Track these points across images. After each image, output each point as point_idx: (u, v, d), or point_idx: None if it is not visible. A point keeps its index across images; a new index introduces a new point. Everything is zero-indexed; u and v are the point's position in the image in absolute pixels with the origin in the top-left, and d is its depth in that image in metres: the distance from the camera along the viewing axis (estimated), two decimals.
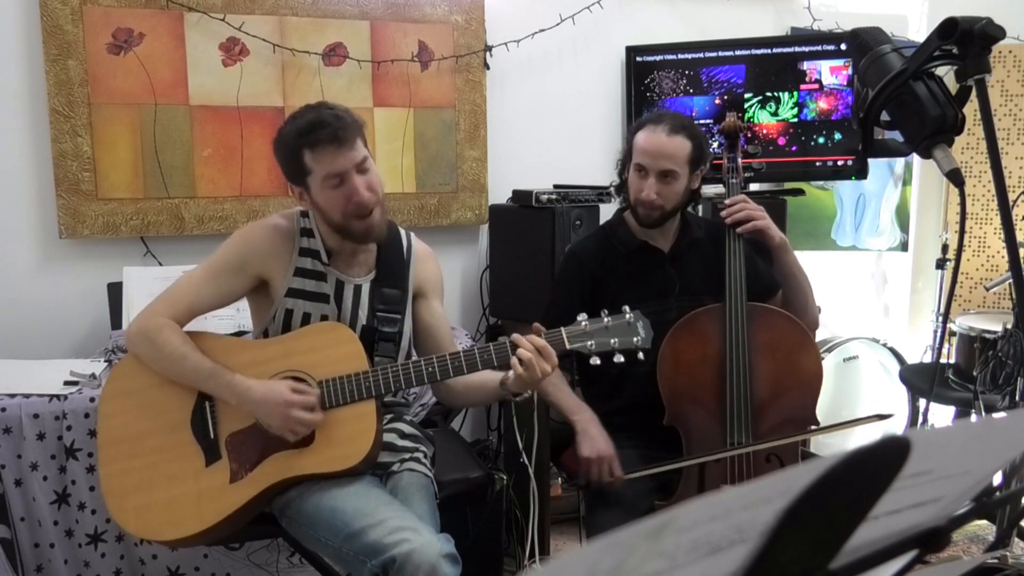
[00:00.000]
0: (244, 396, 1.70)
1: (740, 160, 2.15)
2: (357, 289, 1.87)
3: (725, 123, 2.19)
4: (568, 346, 1.71)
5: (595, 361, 1.70)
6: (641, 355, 1.73)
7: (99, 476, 1.78)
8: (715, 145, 2.93)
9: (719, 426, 1.91)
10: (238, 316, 2.44)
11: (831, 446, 3.27)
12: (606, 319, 1.72)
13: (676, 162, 1.98)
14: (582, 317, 1.73)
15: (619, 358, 1.71)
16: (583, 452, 1.90)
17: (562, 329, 1.71)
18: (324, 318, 1.82)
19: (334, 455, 1.70)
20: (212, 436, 1.75)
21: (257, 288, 1.84)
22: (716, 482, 1.89)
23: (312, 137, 1.69)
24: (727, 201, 2.05)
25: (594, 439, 1.91)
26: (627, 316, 1.72)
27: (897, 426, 3.40)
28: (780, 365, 1.96)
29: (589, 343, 1.71)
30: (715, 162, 2.22)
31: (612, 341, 1.71)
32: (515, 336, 1.69)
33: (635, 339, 1.71)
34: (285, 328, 1.81)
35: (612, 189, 2.23)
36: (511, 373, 1.71)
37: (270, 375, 1.75)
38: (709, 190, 3.02)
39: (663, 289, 2.05)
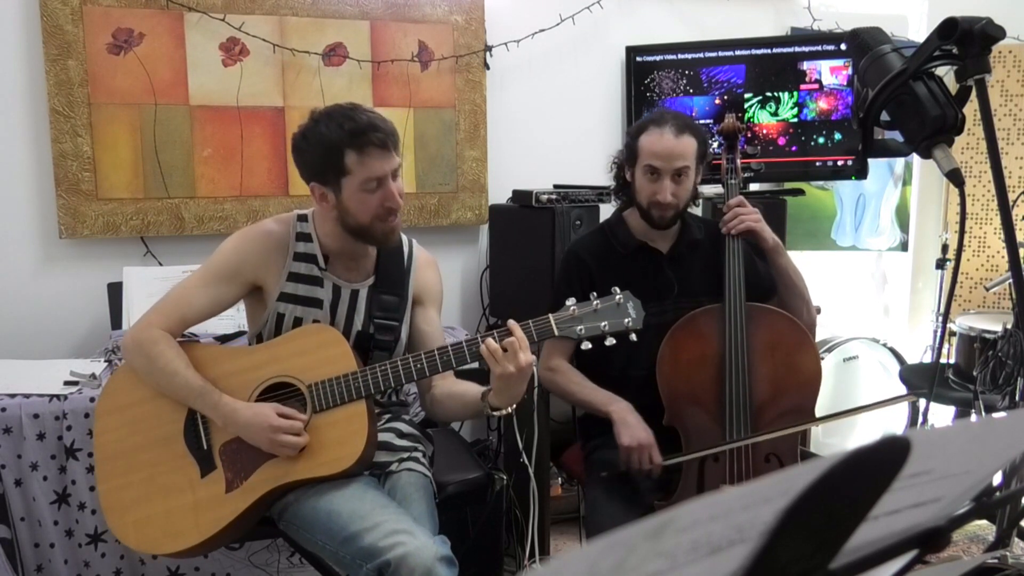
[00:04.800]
0: (230, 418, 1.70)
1: (739, 161, 2.15)
2: (354, 294, 1.86)
3: (724, 124, 2.19)
4: (557, 332, 1.68)
5: (586, 346, 1.68)
6: (634, 336, 1.69)
7: (98, 492, 1.78)
8: (715, 146, 2.93)
9: (718, 427, 1.91)
10: (238, 316, 2.44)
11: (831, 446, 3.27)
12: (595, 302, 1.69)
13: (687, 160, 1.99)
14: (570, 302, 1.69)
15: (610, 341, 1.68)
16: (623, 441, 1.88)
17: (550, 315, 1.69)
18: (315, 323, 1.81)
19: (328, 458, 1.70)
20: (206, 447, 1.75)
21: (252, 293, 1.84)
22: (716, 482, 1.89)
23: (363, 139, 1.68)
24: (727, 205, 2.05)
25: (633, 427, 1.89)
26: (616, 297, 1.69)
27: (897, 426, 3.41)
28: (779, 365, 1.96)
29: (579, 328, 1.68)
30: (714, 162, 2.23)
31: (602, 324, 1.68)
32: (500, 333, 1.67)
33: (626, 320, 1.68)
34: (277, 332, 1.81)
35: (611, 190, 2.22)
36: (492, 388, 1.70)
37: (260, 381, 1.75)
38: (709, 190, 3.03)
39: (661, 291, 2.05)
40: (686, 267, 2.10)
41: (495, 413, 1.73)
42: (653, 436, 1.88)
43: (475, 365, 2.09)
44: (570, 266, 2.14)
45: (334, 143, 1.68)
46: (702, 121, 3.00)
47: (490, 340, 1.64)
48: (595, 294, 1.70)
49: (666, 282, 2.07)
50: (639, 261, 2.08)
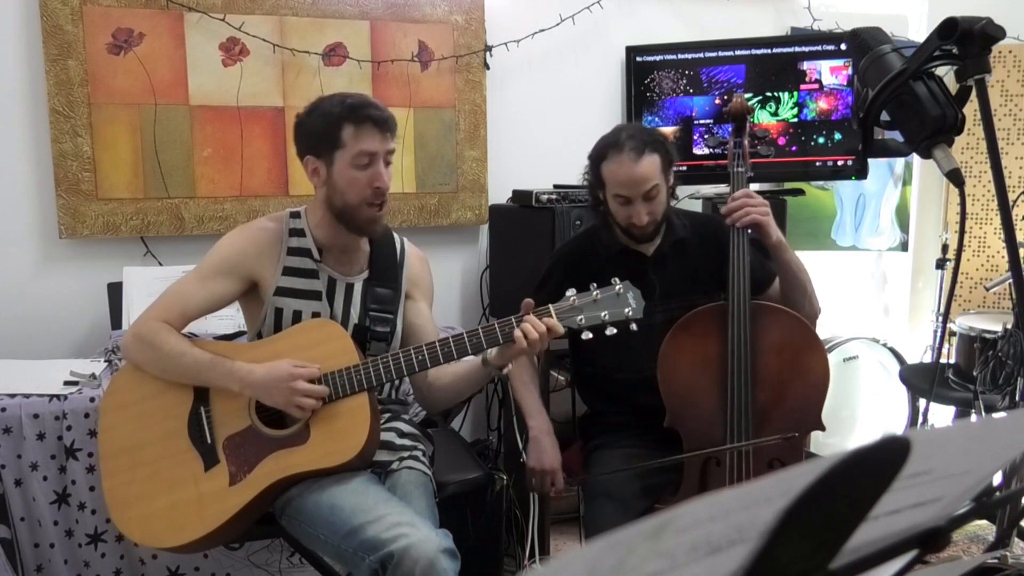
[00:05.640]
0: (247, 379, 1.71)
1: (747, 145, 2.04)
2: (349, 287, 1.88)
3: (732, 104, 2.09)
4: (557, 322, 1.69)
5: (587, 336, 1.69)
6: (634, 326, 1.70)
7: (102, 489, 1.79)
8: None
9: (720, 430, 1.88)
10: (238, 316, 2.44)
11: (831, 446, 3.27)
12: (595, 292, 1.69)
13: (654, 179, 1.94)
14: (571, 292, 1.70)
15: (611, 330, 1.69)
16: (529, 462, 1.94)
17: (550, 306, 1.70)
18: (315, 315, 1.83)
19: (330, 450, 1.71)
20: (209, 441, 1.76)
21: (248, 291, 1.85)
22: (717, 486, 1.88)
23: (361, 113, 1.74)
24: (732, 196, 1.96)
25: (542, 451, 1.93)
26: (616, 288, 1.70)
27: (897, 426, 3.41)
28: (785, 367, 1.91)
29: (579, 318, 1.69)
30: (723, 154, 2.15)
31: (603, 314, 1.68)
32: (524, 316, 1.69)
33: (626, 310, 1.69)
34: (276, 328, 1.82)
35: (588, 205, 2.19)
36: (491, 350, 1.73)
37: None
38: (709, 190, 3.02)
39: (646, 293, 2.00)
40: (671, 268, 2.06)
41: (502, 372, 1.79)
42: (560, 461, 1.93)
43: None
44: (552, 272, 2.12)
45: (334, 115, 1.75)
46: (702, 121, 3.00)
47: (528, 327, 1.65)
48: (595, 284, 1.71)
49: (648, 285, 2.00)
50: (622, 264, 2.04)
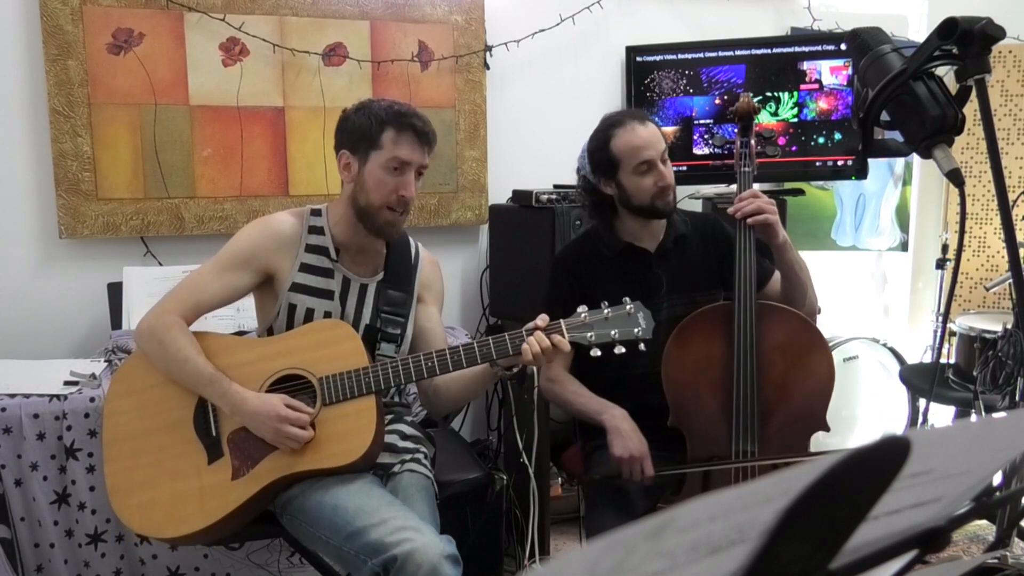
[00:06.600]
0: (238, 407, 1.72)
1: (753, 145, 2.04)
2: (363, 288, 1.88)
3: (739, 104, 2.09)
4: (567, 338, 1.70)
5: (596, 353, 1.69)
6: (643, 346, 1.71)
7: (104, 474, 1.79)
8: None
9: (724, 430, 1.87)
10: (238, 316, 2.44)
11: (831, 446, 3.27)
12: (606, 310, 1.71)
13: (664, 140, 2.00)
14: (582, 309, 1.72)
15: (620, 349, 1.70)
16: (615, 451, 1.84)
17: (561, 321, 1.71)
18: (327, 315, 1.83)
19: (335, 451, 1.71)
20: (214, 434, 1.76)
21: (263, 284, 1.86)
22: (721, 487, 1.87)
23: (405, 121, 1.79)
24: (739, 197, 1.95)
25: (626, 437, 1.85)
26: (627, 307, 1.72)
27: (897, 426, 3.41)
28: (790, 367, 1.90)
29: (589, 335, 1.70)
30: (725, 153, 2.17)
31: (612, 332, 1.70)
32: (529, 331, 1.70)
33: (636, 330, 1.70)
34: (289, 324, 1.83)
35: (589, 214, 2.16)
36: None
37: (271, 373, 1.76)
38: (709, 190, 3.02)
39: (650, 289, 2.01)
40: (674, 264, 2.06)
41: (512, 371, 1.77)
42: (647, 446, 1.85)
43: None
44: (558, 276, 2.11)
45: (379, 117, 1.80)
46: (702, 121, 3.00)
47: (533, 340, 1.67)
48: (606, 303, 1.72)
49: (654, 280, 2.03)
50: (626, 261, 2.05)
